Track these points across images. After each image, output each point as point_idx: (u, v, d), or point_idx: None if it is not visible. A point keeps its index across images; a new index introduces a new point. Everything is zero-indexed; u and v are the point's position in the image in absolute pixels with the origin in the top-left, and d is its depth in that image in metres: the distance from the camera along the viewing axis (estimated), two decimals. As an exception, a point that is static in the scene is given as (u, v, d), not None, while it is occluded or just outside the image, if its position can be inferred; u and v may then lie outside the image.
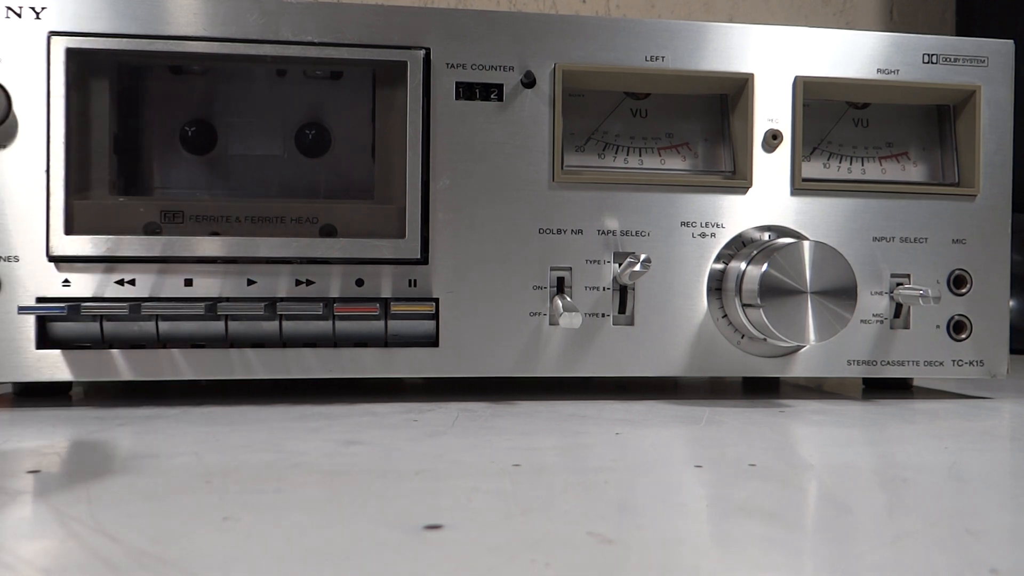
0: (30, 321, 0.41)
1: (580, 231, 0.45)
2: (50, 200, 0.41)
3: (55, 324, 0.42)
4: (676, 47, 0.46)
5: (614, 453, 0.32)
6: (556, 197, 0.45)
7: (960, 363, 0.48)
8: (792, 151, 0.47)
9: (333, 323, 0.43)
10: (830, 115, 0.49)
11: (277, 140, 0.46)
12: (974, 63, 0.48)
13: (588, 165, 0.46)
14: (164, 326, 0.42)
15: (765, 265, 0.42)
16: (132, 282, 0.42)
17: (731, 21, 0.61)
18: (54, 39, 0.41)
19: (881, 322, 0.47)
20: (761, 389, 0.52)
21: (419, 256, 0.43)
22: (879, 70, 0.47)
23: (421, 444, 0.34)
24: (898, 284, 0.47)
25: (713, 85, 0.47)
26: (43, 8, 0.41)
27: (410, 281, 0.44)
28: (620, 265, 0.45)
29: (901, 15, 0.95)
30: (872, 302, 0.47)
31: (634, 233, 0.45)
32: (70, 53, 0.41)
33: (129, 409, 0.41)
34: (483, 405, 0.44)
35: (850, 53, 0.47)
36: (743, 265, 0.44)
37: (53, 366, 0.42)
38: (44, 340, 0.42)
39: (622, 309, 0.45)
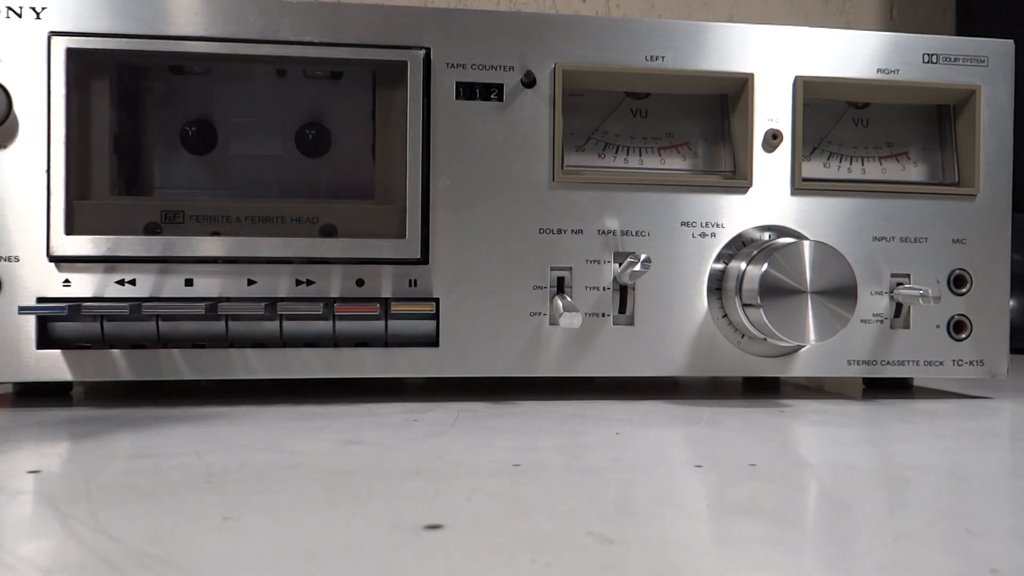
0: (30, 321, 0.41)
1: (580, 231, 0.45)
2: (50, 200, 0.41)
3: (55, 324, 0.42)
4: (676, 47, 0.46)
5: (614, 453, 0.32)
6: (556, 197, 0.45)
7: (960, 363, 0.48)
8: (792, 151, 0.47)
9: (333, 323, 0.43)
10: (830, 115, 0.49)
11: (277, 140, 0.46)
12: (974, 63, 0.48)
13: (588, 165, 0.46)
14: (164, 326, 0.42)
15: (765, 265, 0.42)
16: (132, 282, 0.42)
17: (731, 21, 0.61)
18: (54, 39, 0.41)
19: (881, 322, 0.47)
20: (761, 389, 0.52)
21: (419, 256, 0.43)
22: (879, 70, 0.47)
23: (421, 444, 0.34)
24: (898, 284, 0.47)
25: (713, 85, 0.47)
26: (43, 8, 0.41)
27: (410, 281, 0.44)
28: (620, 265, 0.45)
29: (901, 15, 0.95)
30: (872, 302, 0.47)
31: (634, 233, 0.45)
32: (70, 53, 0.41)
33: (129, 409, 0.41)
34: (483, 405, 0.44)
35: (850, 53, 0.47)
36: (743, 265, 0.44)
37: (53, 366, 0.42)
38: (44, 340, 0.42)
39: (622, 309, 0.45)
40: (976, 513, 0.25)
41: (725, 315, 0.46)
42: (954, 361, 0.48)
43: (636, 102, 0.47)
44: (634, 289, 0.45)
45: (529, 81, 0.44)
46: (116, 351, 0.42)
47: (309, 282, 0.43)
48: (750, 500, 0.26)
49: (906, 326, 0.47)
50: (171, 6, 0.42)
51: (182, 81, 0.46)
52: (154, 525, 0.23)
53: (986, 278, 0.48)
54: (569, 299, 0.44)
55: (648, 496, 0.27)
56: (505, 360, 0.44)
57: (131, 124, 0.45)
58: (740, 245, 0.46)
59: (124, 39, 0.42)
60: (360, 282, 0.43)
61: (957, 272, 0.48)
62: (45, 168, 0.41)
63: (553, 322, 0.45)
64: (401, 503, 0.25)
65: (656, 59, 0.45)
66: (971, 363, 0.48)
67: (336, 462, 0.30)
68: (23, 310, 0.41)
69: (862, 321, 0.47)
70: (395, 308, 0.43)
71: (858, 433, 0.38)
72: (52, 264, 0.42)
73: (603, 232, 0.45)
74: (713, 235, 0.46)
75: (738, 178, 0.46)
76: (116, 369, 0.42)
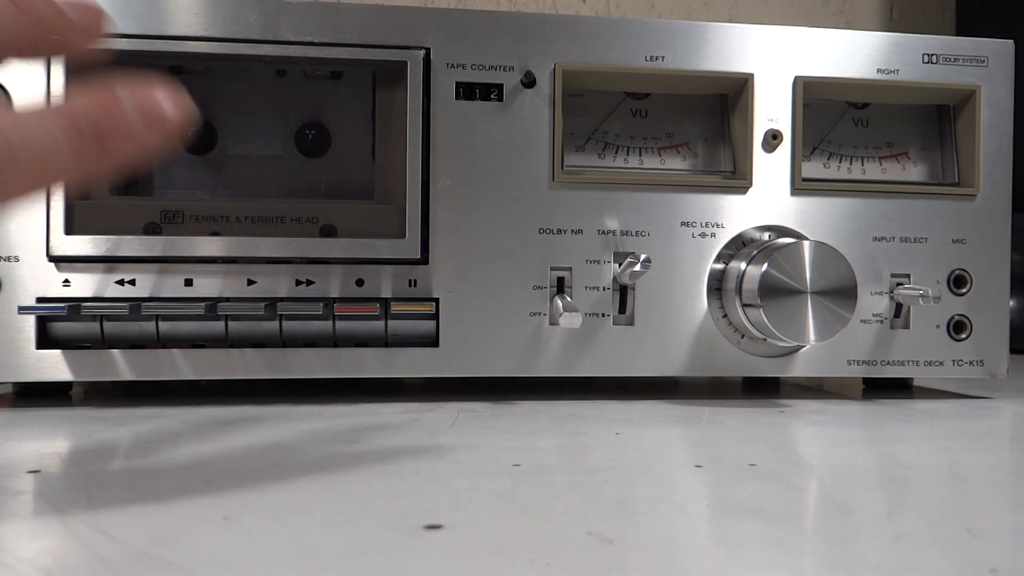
0: (30, 321, 0.41)
1: (580, 231, 0.45)
2: (50, 200, 0.41)
3: (55, 324, 0.42)
4: (676, 47, 0.46)
5: (614, 453, 0.32)
6: (556, 197, 0.45)
7: (960, 363, 0.48)
8: (792, 151, 0.47)
9: (333, 323, 0.43)
10: (830, 115, 0.49)
11: (277, 140, 0.46)
12: (974, 63, 0.48)
13: (588, 165, 0.46)
14: (164, 326, 0.42)
15: (765, 265, 0.42)
16: (132, 282, 0.42)
17: (731, 21, 0.61)
18: (54, 39, 0.41)
19: (881, 322, 0.47)
20: (761, 389, 0.52)
21: (419, 256, 0.43)
22: (879, 70, 0.47)
23: (421, 444, 0.34)
24: (898, 284, 0.47)
25: (713, 85, 0.47)
26: (43, 8, 0.41)
27: (410, 281, 0.44)
28: (620, 265, 0.45)
29: (901, 15, 0.95)
30: (872, 302, 0.47)
31: (634, 233, 0.45)
32: (70, 53, 0.41)
33: (129, 409, 0.41)
34: (483, 405, 0.44)
35: (850, 53, 0.47)
36: (743, 265, 0.44)
37: (53, 366, 0.42)
38: (44, 340, 0.42)
39: (622, 309, 0.45)
40: (976, 513, 0.25)
41: (725, 315, 0.46)
42: (954, 361, 0.48)
43: (636, 102, 0.47)
44: (634, 289, 0.45)
45: (529, 81, 0.44)
46: (116, 351, 0.42)
47: (309, 282, 0.43)
48: (750, 500, 0.26)
49: (906, 326, 0.47)
50: (171, 6, 0.42)
51: (182, 81, 0.45)
52: (154, 525, 0.23)
53: (986, 278, 0.48)
54: (569, 299, 0.44)
55: (648, 496, 0.27)
56: (505, 360, 0.44)
57: (131, 124, 0.45)
58: (740, 245, 0.46)
59: (124, 39, 0.42)
60: (360, 282, 0.43)
61: (957, 272, 0.48)
62: (45, 168, 0.41)
63: (553, 322, 0.45)
64: (401, 503, 0.25)
65: (656, 59, 0.45)
66: (971, 363, 0.48)
67: (336, 462, 0.30)
68: (23, 310, 0.41)
69: (862, 321, 0.47)
70: (395, 308, 0.43)
71: (858, 433, 0.38)
72: (52, 264, 0.42)
73: (603, 232, 0.45)
74: (713, 235, 0.46)
75: (738, 178, 0.46)
76: (116, 369, 0.42)
